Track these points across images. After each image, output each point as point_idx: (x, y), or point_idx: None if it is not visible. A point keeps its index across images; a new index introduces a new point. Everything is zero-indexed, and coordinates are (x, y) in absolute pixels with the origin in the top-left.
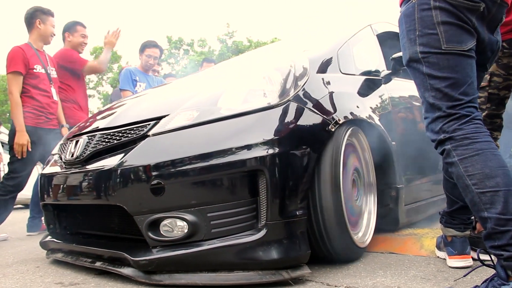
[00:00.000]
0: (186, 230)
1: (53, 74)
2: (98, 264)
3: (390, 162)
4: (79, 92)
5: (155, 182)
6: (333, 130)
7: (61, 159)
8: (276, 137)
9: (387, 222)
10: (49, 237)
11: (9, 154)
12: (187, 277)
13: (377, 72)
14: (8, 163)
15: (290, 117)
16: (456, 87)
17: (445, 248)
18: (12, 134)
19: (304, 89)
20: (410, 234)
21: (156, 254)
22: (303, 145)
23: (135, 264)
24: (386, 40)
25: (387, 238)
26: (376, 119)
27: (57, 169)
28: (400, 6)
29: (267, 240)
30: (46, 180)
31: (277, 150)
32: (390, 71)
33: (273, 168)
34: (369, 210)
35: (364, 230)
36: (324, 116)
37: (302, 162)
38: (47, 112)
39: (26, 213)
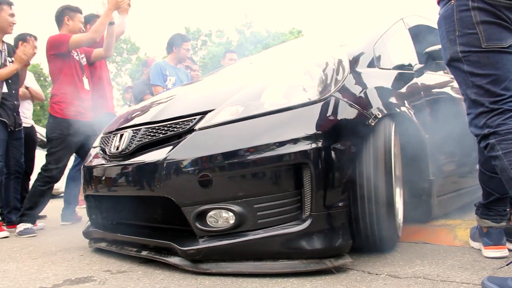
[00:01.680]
0: (232, 221)
1: (83, 61)
2: (144, 253)
3: (423, 154)
4: None
5: (203, 174)
6: (373, 124)
7: (103, 152)
8: (319, 132)
9: (420, 213)
10: (92, 227)
11: (47, 146)
12: (233, 266)
13: (410, 66)
14: (46, 155)
15: (332, 112)
16: (497, 83)
17: (481, 239)
18: (50, 127)
19: (344, 84)
20: (443, 225)
21: (203, 244)
22: (345, 139)
23: (183, 254)
24: (418, 33)
25: (421, 229)
26: (411, 112)
27: (101, 161)
28: (438, 4)
29: (311, 230)
30: (90, 172)
31: (320, 144)
32: (423, 64)
33: (317, 161)
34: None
35: None
36: (364, 111)
37: (344, 156)
38: (83, 101)
39: (54, 203)
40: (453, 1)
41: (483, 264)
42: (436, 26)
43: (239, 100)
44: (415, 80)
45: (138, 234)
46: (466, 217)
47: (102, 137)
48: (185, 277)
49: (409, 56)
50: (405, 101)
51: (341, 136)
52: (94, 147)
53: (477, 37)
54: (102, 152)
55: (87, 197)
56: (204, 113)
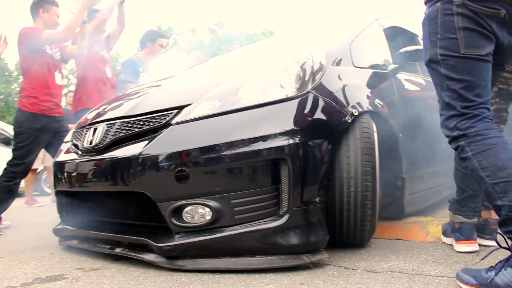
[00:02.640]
0: (208, 217)
1: (57, 56)
2: (117, 250)
3: (397, 152)
4: None
5: (179, 169)
6: (349, 121)
7: (75, 147)
8: (297, 128)
9: (393, 211)
10: (62, 224)
11: (14, 140)
12: (210, 262)
13: (384, 66)
14: (13, 150)
15: (309, 108)
16: (471, 89)
17: (453, 234)
18: (17, 121)
19: (321, 81)
20: (415, 222)
21: (179, 240)
22: (322, 135)
23: (158, 250)
24: (392, 34)
25: (394, 226)
26: (386, 111)
27: (72, 156)
28: (425, 4)
29: (289, 226)
30: (61, 167)
31: (298, 139)
32: (397, 65)
33: (295, 157)
34: None
35: None
36: (341, 108)
37: (321, 152)
38: (53, 96)
39: (19, 202)
40: (438, 4)
41: (455, 258)
42: (407, 28)
43: (216, 95)
44: (389, 80)
45: (112, 231)
46: (437, 214)
47: (74, 132)
48: (160, 273)
49: (384, 56)
50: (380, 100)
51: (318, 133)
52: (66, 142)
53: (457, 42)
54: (74, 147)
55: (57, 194)
56: (181, 108)
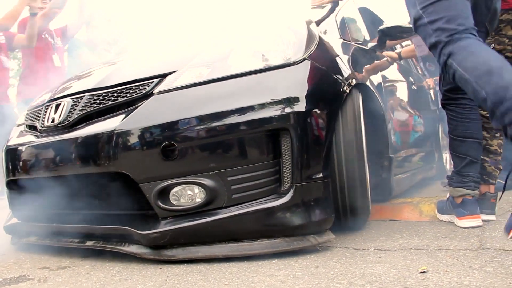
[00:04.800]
0: (198, 199)
1: (1, 40)
2: (89, 243)
3: (384, 131)
4: None
5: (166, 144)
6: (348, 91)
7: (32, 128)
8: (298, 96)
9: (381, 192)
10: (16, 219)
11: None
12: (204, 250)
13: (364, 42)
14: None
15: (308, 75)
16: (452, 21)
17: (455, 210)
18: None
19: (315, 49)
20: (404, 203)
21: (168, 226)
22: (323, 104)
23: (143, 239)
24: (363, 14)
25: (383, 207)
26: (373, 86)
27: (29, 139)
28: None
29: (293, 204)
30: (15, 153)
31: (300, 108)
32: (376, 43)
33: (299, 127)
34: None
35: None
36: (338, 78)
37: (324, 122)
38: None
39: None
40: None
41: (464, 233)
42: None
43: (203, 61)
44: (372, 55)
45: (80, 221)
46: (422, 194)
47: (28, 113)
48: (146, 267)
49: (363, 32)
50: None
51: (319, 101)
52: (18, 125)
53: None
54: (30, 129)
55: (9, 184)
56: (164, 76)
